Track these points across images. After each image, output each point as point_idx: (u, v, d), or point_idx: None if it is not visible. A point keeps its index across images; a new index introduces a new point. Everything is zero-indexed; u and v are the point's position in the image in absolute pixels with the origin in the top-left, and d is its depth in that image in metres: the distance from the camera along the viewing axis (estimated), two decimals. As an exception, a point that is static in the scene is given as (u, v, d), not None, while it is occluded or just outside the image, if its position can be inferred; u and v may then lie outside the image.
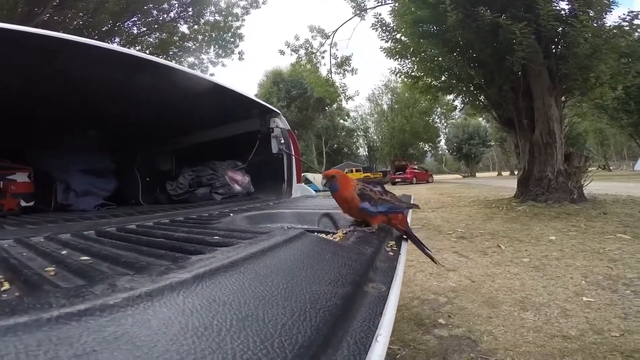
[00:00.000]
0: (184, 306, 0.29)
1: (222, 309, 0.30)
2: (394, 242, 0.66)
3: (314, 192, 2.10)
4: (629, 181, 11.48)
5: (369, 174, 26.09)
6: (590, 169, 5.51)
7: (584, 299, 1.88)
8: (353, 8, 9.21)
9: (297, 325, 0.30)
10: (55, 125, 1.80)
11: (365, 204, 0.74)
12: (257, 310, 0.32)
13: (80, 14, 10.32)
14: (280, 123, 2.06)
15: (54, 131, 1.65)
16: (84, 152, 1.66)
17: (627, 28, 4.90)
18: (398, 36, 6.87)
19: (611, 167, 32.65)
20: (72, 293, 0.29)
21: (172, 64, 1.32)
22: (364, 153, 39.27)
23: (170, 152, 2.05)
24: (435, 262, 0.80)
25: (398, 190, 14.03)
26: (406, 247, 0.67)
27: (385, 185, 0.84)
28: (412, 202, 1.08)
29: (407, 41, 6.62)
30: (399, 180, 21.99)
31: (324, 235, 0.66)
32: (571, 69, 5.00)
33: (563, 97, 5.60)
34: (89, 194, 1.55)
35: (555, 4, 4.96)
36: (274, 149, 2.03)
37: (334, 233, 0.71)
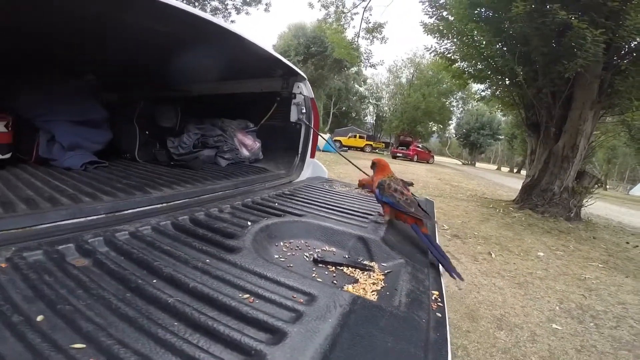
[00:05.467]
0: None
1: None
2: (437, 293, 0.59)
3: (326, 171, 1.99)
4: (622, 205, 11.60)
5: (371, 142, 25.75)
6: (594, 190, 5.45)
7: (553, 325, 1.97)
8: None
9: None
10: (43, 66, 1.58)
11: (377, 191, 0.96)
12: None
13: None
14: (305, 89, 1.87)
15: (41, 74, 1.43)
16: (76, 100, 1.44)
17: None
18: (444, 14, 6.36)
19: (607, 187, 32.74)
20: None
21: (186, 6, 1.10)
22: (371, 121, 38.31)
23: (176, 105, 1.84)
24: (455, 275, 0.73)
25: (397, 166, 13.96)
26: (446, 301, 0.60)
27: (384, 159, 1.07)
28: (427, 208, 1.18)
29: (454, 21, 6.12)
30: (400, 155, 21.75)
31: (371, 301, 0.54)
32: (628, 87, 4.71)
33: (603, 112, 5.36)
34: (78, 148, 1.35)
35: None
36: (293, 117, 1.86)
37: (370, 269, 0.64)
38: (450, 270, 0.74)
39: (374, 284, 0.57)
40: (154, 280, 0.50)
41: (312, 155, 1.97)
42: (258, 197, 1.05)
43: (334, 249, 0.75)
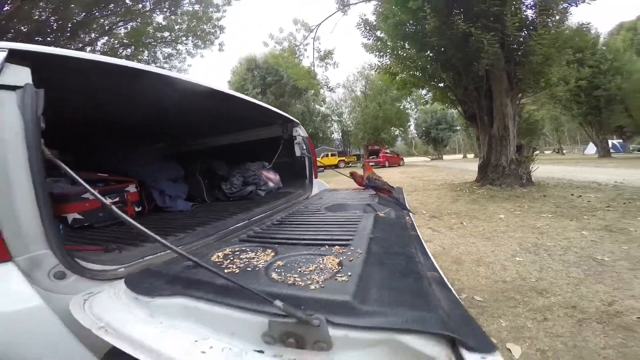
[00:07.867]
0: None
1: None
2: (409, 217, 1.35)
3: (327, 186, 2.73)
4: (576, 165, 12.94)
5: (343, 158, 26.88)
6: (545, 152, 6.59)
7: (517, 258, 2.69)
8: (337, 3, 9.61)
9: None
10: (143, 142, 2.21)
11: (366, 180, 1.88)
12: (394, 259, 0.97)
13: (51, 5, 9.79)
14: (301, 132, 2.59)
15: (146, 146, 2.10)
16: (166, 163, 2.07)
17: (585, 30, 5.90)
18: (379, 34, 7.51)
19: (564, 151, 35.67)
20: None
21: (225, 89, 1.59)
22: (338, 137, 40.00)
23: (223, 158, 2.50)
24: (409, 211, 1.53)
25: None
26: (414, 221, 1.36)
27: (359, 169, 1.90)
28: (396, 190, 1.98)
29: (387, 39, 7.27)
30: (372, 164, 22.83)
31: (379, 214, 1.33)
32: (526, 74, 5.89)
33: (519, 95, 6.54)
34: (178, 197, 1.95)
35: (524, 12, 5.74)
36: (298, 153, 2.56)
37: (379, 213, 1.38)
38: (408, 210, 1.55)
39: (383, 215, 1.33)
40: (302, 229, 1.18)
41: (315, 177, 2.71)
42: (303, 205, 1.76)
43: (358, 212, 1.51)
